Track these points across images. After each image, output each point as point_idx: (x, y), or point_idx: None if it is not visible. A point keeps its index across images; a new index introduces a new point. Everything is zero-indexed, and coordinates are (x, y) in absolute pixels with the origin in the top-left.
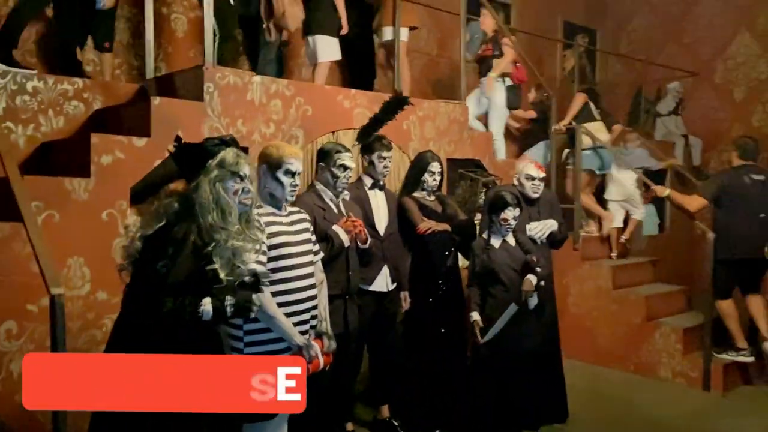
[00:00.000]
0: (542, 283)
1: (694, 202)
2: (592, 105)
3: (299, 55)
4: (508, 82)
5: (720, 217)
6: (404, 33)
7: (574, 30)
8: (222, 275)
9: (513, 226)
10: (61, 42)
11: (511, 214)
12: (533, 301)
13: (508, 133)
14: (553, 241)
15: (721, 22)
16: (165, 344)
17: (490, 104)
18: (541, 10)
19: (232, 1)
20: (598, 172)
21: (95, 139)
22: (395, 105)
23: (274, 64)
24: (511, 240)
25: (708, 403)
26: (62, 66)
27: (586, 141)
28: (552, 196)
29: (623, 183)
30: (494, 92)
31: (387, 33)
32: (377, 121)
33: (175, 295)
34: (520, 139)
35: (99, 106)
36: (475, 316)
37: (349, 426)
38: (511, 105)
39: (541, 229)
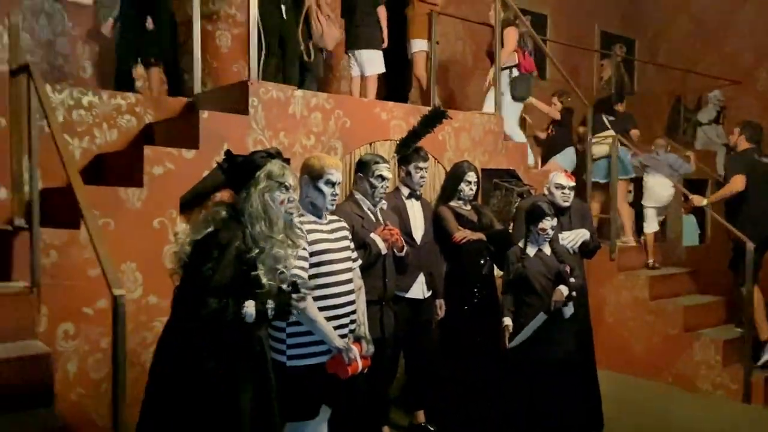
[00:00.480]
0: (574, 293)
1: (737, 183)
2: (603, 116)
3: (337, 69)
4: (515, 72)
5: (745, 200)
6: (427, 45)
7: (611, 39)
8: (264, 280)
9: (550, 236)
10: (118, 60)
11: (548, 223)
12: (569, 311)
13: (533, 139)
14: (585, 250)
15: (763, 29)
16: (210, 346)
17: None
18: (578, 21)
19: (285, 16)
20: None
21: (148, 151)
22: (434, 118)
23: (315, 80)
24: (546, 249)
25: (748, 415)
26: (117, 82)
27: (601, 150)
28: (582, 206)
29: (657, 189)
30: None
31: (414, 45)
32: (416, 134)
33: (219, 297)
34: (546, 145)
35: (150, 119)
36: (507, 321)
37: (386, 430)
38: (519, 95)
39: (573, 238)
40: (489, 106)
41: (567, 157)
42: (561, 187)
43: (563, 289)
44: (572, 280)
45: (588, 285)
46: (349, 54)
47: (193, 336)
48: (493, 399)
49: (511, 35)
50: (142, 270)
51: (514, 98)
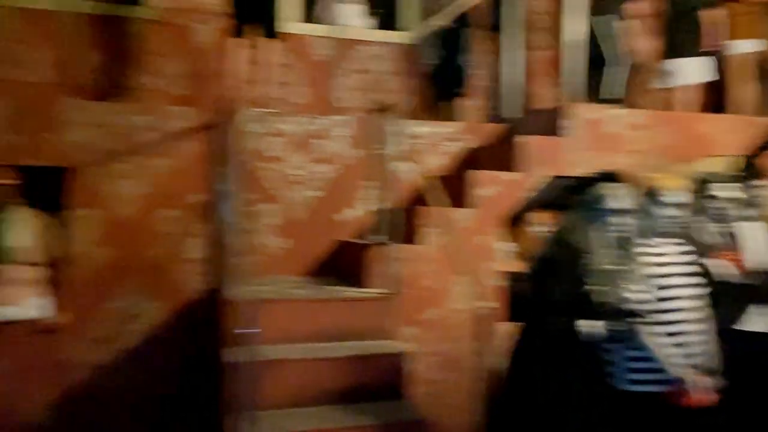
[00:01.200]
0: None
1: None
2: None
3: (645, 82)
4: None
5: None
6: (752, 46)
7: None
8: (597, 298)
9: None
10: (435, 91)
11: None
12: None
13: None
14: None
15: None
16: (552, 359)
17: None
18: None
19: (614, 32)
20: None
21: (474, 174)
22: None
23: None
24: None
25: None
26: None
27: None
28: None
29: None
30: None
31: (732, 47)
32: (757, 153)
33: (558, 314)
34: None
35: (471, 145)
36: None
37: None
38: None
39: None
40: None
41: None
42: None
43: None
44: None
45: None
46: (664, 64)
47: (536, 348)
48: None
49: None
50: (470, 282)
51: None
